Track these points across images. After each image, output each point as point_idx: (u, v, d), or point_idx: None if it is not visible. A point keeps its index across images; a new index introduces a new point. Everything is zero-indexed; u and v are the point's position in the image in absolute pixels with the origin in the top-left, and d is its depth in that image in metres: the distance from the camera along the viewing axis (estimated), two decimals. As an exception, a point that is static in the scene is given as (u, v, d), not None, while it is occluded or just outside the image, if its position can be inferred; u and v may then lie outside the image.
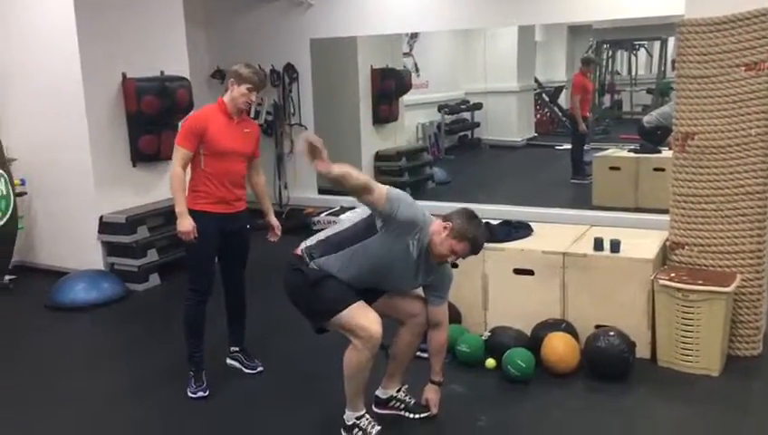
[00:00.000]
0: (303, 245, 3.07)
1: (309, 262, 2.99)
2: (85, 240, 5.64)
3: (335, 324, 2.96)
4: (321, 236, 3.07)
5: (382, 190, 2.81)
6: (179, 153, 3.57)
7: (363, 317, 2.90)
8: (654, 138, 7.94)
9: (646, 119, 8.76)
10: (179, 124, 3.57)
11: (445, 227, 2.92)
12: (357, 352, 2.92)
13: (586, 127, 9.05)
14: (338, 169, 2.75)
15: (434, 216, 3.03)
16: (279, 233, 3.89)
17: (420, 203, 3.06)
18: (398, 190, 2.86)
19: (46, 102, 5.69)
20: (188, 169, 3.61)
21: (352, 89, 8.40)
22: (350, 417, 3.13)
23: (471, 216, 2.97)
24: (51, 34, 5.55)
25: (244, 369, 3.90)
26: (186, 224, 3.52)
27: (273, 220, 3.90)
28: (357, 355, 2.93)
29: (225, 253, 3.77)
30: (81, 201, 5.64)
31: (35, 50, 5.67)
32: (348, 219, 3.13)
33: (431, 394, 3.30)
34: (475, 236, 2.94)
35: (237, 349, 3.96)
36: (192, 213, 3.56)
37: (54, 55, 5.56)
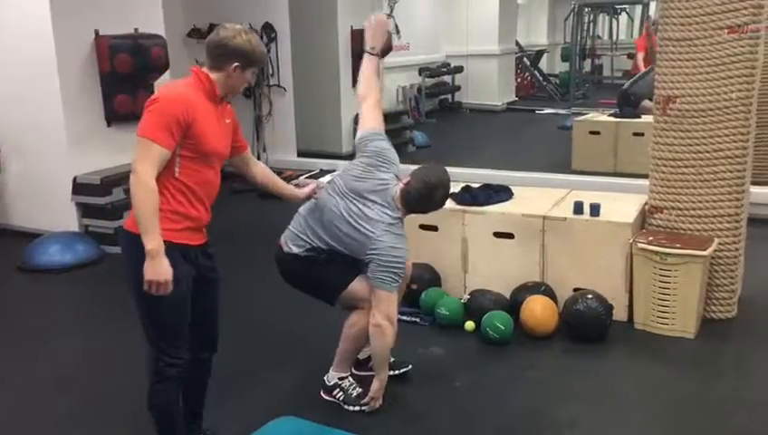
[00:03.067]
0: (286, 245, 3.05)
1: (300, 251, 3.03)
2: (59, 201, 5.54)
3: (344, 299, 3.06)
4: (301, 241, 3.02)
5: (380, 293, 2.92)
6: (153, 152, 2.30)
7: (367, 290, 2.97)
8: (628, 102, 7.95)
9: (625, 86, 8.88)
10: (153, 89, 2.62)
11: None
12: (365, 316, 2.99)
13: None
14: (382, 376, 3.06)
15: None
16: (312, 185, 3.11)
17: (400, 167, 3.09)
18: (387, 270, 2.90)
19: (16, 60, 5.52)
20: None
21: (332, 50, 8.28)
22: (332, 377, 3.16)
23: (422, 196, 2.98)
24: (20, -11, 5.38)
25: None
26: (164, 267, 2.32)
27: (297, 187, 3.11)
28: (363, 319, 3.00)
29: (194, 307, 2.55)
30: (54, 162, 5.52)
31: (4, 6, 5.48)
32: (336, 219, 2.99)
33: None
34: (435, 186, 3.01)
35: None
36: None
37: (24, 12, 5.38)
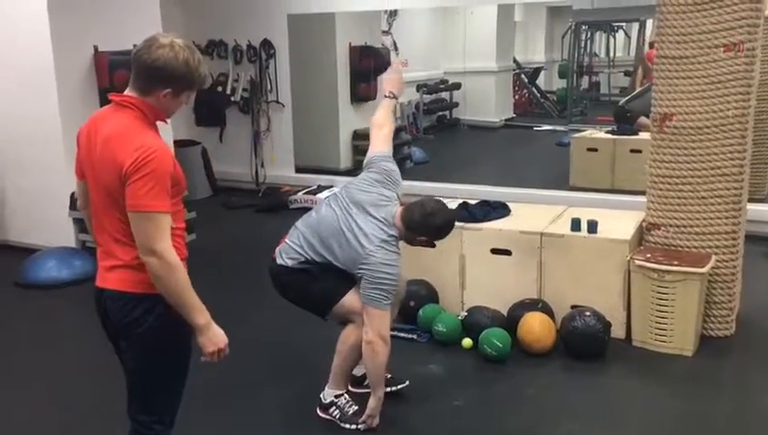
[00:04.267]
0: (280, 257, 3.05)
1: (294, 264, 3.02)
2: (56, 217, 5.53)
3: (336, 312, 3.05)
4: (295, 253, 3.02)
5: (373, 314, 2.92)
6: (165, 224, 2.01)
7: (359, 302, 2.96)
8: (625, 119, 7.98)
9: (622, 102, 8.92)
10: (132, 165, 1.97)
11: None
12: (358, 330, 2.98)
13: None
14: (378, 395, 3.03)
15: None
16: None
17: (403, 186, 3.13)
18: (378, 287, 2.90)
19: (16, 76, 5.53)
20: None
21: (330, 66, 8.30)
22: (328, 394, 3.14)
23: (424, 212, 2.98)
24: (20, 6, 5.39)
25: None
26: (220, 333, 2.14)
27: None
28: (357, 333, 2.99)
29: None
30: (52, 177, 5.52)
31: (4, 22, 5.50)
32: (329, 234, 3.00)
33: None
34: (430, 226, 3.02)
35: None
36: (161, 302, 2.07)
37: (24, 28, 5.40)
